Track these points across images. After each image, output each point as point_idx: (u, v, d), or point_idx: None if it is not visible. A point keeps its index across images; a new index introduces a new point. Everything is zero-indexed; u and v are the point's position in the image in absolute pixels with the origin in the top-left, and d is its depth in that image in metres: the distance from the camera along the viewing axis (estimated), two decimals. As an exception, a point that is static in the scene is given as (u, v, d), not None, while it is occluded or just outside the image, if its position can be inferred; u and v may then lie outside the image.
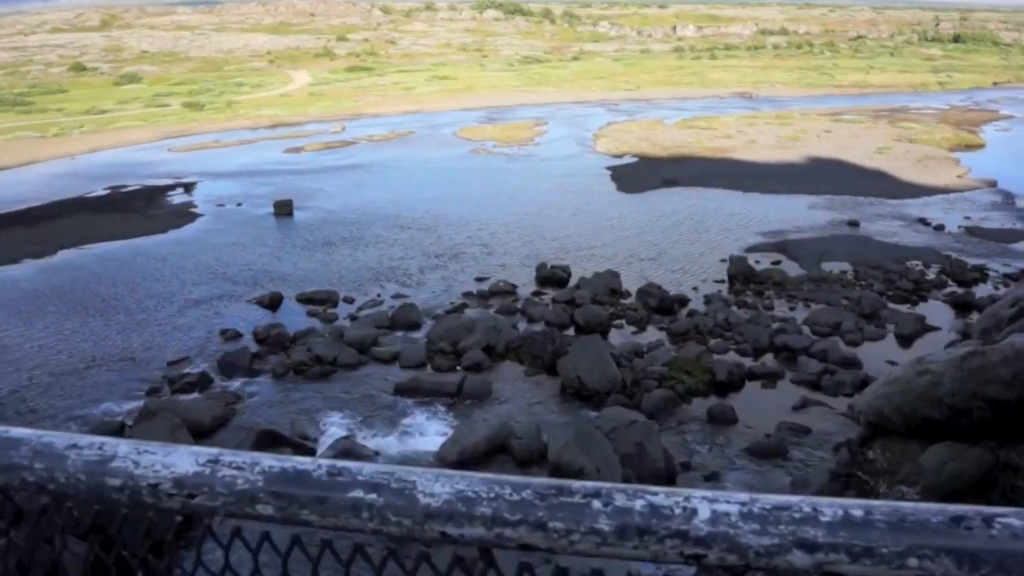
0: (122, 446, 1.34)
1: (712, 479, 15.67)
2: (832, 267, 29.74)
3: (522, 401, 19.32)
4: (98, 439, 1.37)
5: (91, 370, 21.17)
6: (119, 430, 17.35)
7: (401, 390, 19.52)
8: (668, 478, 15.35)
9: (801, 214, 37.47)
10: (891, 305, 25.49)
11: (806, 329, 23.58)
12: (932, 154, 49.89)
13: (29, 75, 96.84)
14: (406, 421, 18.11)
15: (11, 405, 18.98)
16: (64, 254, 32.63)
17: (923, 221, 35.67)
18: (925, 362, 8.25)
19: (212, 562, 1.55)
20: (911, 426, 8.00)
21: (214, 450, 1.23)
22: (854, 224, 35.54)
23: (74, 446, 1.33)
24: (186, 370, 20.96)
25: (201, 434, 17.07)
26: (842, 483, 14.60)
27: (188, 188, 45.79)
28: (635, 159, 51.61)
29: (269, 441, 16.15)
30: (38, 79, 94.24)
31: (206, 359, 21.76)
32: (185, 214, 39.59)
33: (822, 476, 14.80)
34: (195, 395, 19.33)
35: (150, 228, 36.60)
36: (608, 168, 48.88)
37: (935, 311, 25.06)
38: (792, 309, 25.63)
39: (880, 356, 21.67)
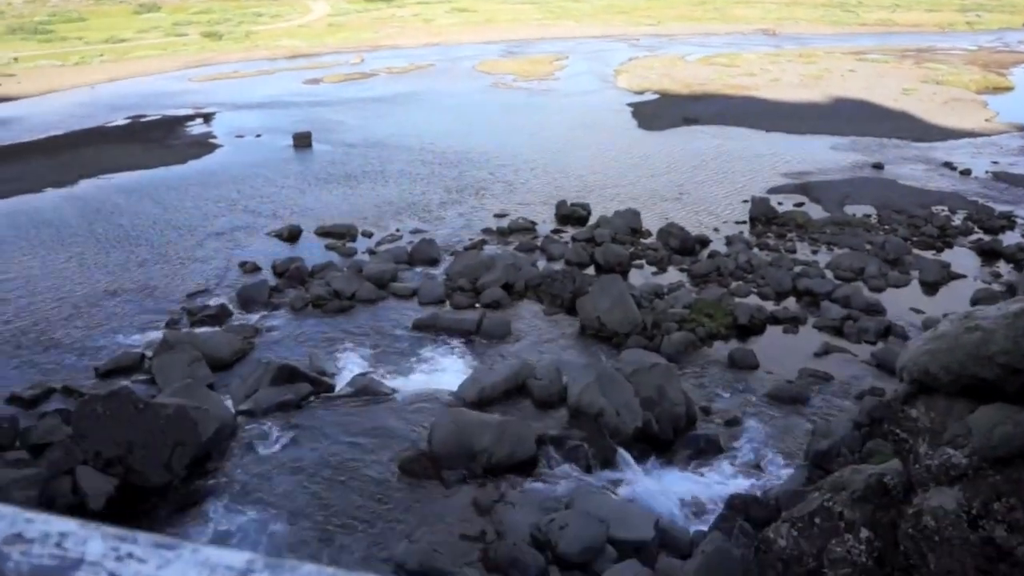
0: (93, 543, 0.76)
1: (732, 424, 15.21)
2: (855, 210, 28.85)
3: (541, 340, 18.87)
4: (56, 525, 0.79)
5: (111, 301, 20.84)
6: (139, 361, 17.09)
7: (419, 326, 19.09)
8: (689, 423, 14.97)
9: (824, 155, 36.36)
10: (916, 251, 24.69)
11: (829, 273, 22.87)
12: (959, 96, 48.19)
13: (49, 3, 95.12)
14: (424, 358, 17.72)
15: (32, 335, 18.72)
16: (85, 184, 32.13)
17: (949, 165, 34.49)
18: (975, 318, 7.65)
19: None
20: (959, 385, 7.44)
21: (241, 557, 0.68)
22: (878, 167, 34.43)
23: (19, 537, 0.75)
24: (205, 302, 20.60)
25: (220, 367, 16.78)
26: (864, 433, 14.16)
27: (207, 119, 44.98)
28: (656, 96, 50.21)
29: (287, 376, 15.84)
30: (58, 7, 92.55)
31: (225, 291, 21.38)
32: (204, 145, 38.88)
33: (845, 426, 14.35)
34: (214, 328, 18.98)
35: (170, 159, 35.99)
36: (629, 104, 47.58)
37: (961, 258, 24.25)
38: (815, 252, 24.90)
39: (904, 303, 21.02)
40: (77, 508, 11.24)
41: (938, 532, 7.25)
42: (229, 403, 14.90)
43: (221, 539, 11.17)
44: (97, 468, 11.78)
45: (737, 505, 11.78)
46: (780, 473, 13.56)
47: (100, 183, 32.23)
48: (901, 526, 7.94)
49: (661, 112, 45.24)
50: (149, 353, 17.21)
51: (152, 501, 12.00)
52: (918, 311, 20.45)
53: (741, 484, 13.12)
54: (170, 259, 23.98)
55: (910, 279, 22.65)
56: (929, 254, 24.52)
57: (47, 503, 11.10)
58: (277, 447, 13.78)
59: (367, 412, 14.99)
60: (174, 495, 12.20)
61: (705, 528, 11.64)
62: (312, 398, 15.47)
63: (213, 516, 11.73)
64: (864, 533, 8.43)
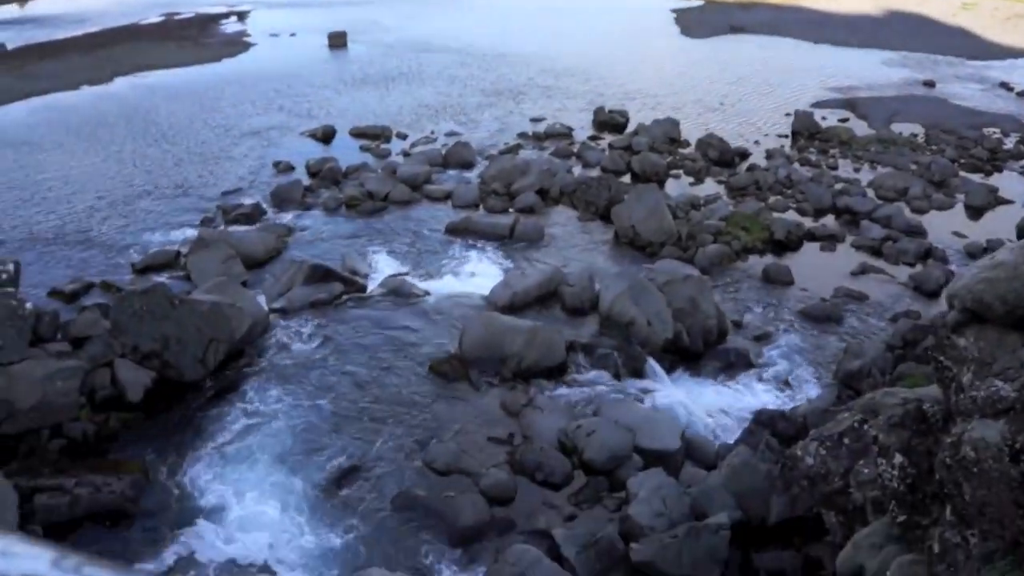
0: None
1: (763, 339, 14.92)
2: (903, 129, 27.68)
3: (574, 247, 18.54)
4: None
5: (147, 199, 20.72)
6: (175, 258, 17.03)
7: (453, 230, 18.80)
8: (720, 336, 14.72)
9: (874, 70, 34.78)
10: (963, 173, 23.68)
11: (870, 192, 22.05)
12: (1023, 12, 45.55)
13: None
14: (457, 261, 17.49)
15: (70, 232, 18.67)
16: (120, 82, 31.72)
17: (1005, 86, 32.81)
18: (1036, 248, 7.19)
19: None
20: (1014, 317, 7.04)
21: None
22: (929, 84, 32.88)
23: None
24: (239, 201, 20.42)
25: (254, 265, 16.69)
26: (897, 356, 13.79)
27: (241, 17, 44.05)
28: (701, 2, 48.11)
29: (320, 275, 15.74)
30: None
31: (259, 190, 21.16)
32: (239, 43, 38.13)
33: (877, 347, 13.97)
34: (248, 226, 18.84)
35: (204, 57, 35.36)
36: (673, 11, 45.75)
37: (1010, 183, 23.22)
38: (857, 170, 24.01)
39: (947, 226, 20.25)
40: (116, 400, 11.39)
41: (977, 463, 6.98)
42: (262, 301, 14.82)
43: (254, 429, 11.32)
44: (135, 362, 11.83)
45: (764, 420, 11.56)
46: (808, 391, 13.29)
47: (135, 81, 31.82)
48: (938, 455, 7.69)
49: (706, 20, 43.41)
50: (184, 250, 17.10)
51: (187, 395, 12.09)
52: (961, 235, 19.72)
53: (769, 399, 12.91)
54: (205, 158, 23.75)
55: (955, 202, 21.79)
56: (977, 177, 23.53)
57: (88, 394, 11.25)
58: (309, 345, 13.76)
59: (399, 313, 14.88)
60: (209, 389, 12.28)
61: (731, 441, 11.47)
62: (344, 298, 15.35)
63: (246, 409, 11.80)
64: (898, 459, 8.19)
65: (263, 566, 9.11)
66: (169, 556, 9.18)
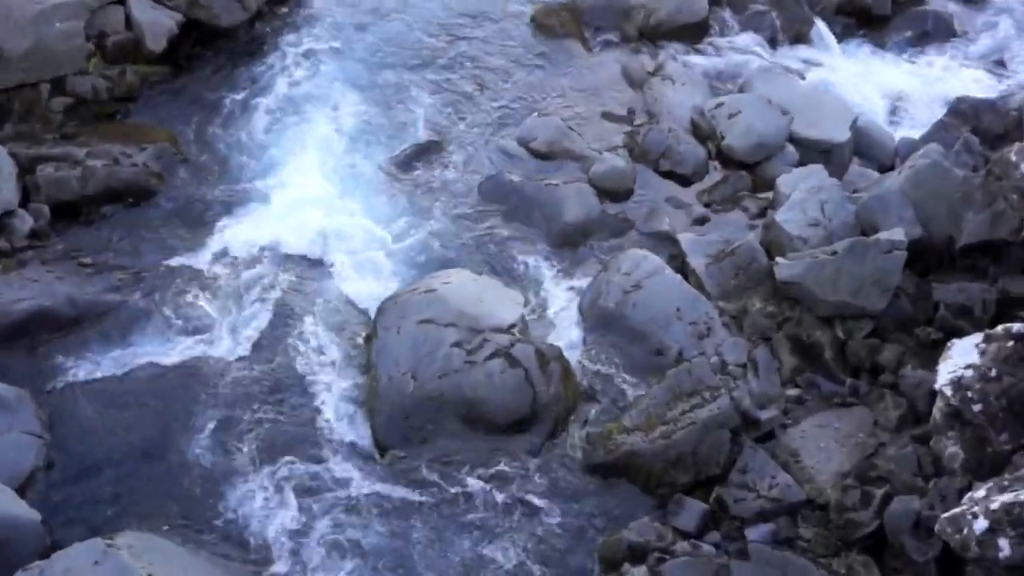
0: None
1: (973, 1, 12.50)
2: None
3: None
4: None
5: None
6: None
7: None
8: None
9: None
10: None
11: None
12: None
13: None
14: None
15: None
16: None
17: None
18: None
19: None
20: None
21: None
22: None
23: None
24: None
25: None
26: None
27: None
28: None
29: None
30: None
31: None
32: None
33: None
34: None
35: None
36: None
37: None
38: None
39: None
40: (133, 48, 9.81)
41: None
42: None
43: (307, 89, 9.97)
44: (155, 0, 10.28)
45: (964, 111, 9.87)
46: (1029, 75, 11.44)
47: None
48: None
49: None
50: None
51: (224, 44, 10.50)
52: None
53: (974, 84, 11.03)
54: None
55: None
56: None
57: (97, 40, 9.65)
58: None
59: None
60: (250, 37, 10.67)
61: (916, 136, 9.80)
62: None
63: (296, 64, 10.29)
64: None
65: (315, 261, 8.24)
66: (205, 245, 8.31)
